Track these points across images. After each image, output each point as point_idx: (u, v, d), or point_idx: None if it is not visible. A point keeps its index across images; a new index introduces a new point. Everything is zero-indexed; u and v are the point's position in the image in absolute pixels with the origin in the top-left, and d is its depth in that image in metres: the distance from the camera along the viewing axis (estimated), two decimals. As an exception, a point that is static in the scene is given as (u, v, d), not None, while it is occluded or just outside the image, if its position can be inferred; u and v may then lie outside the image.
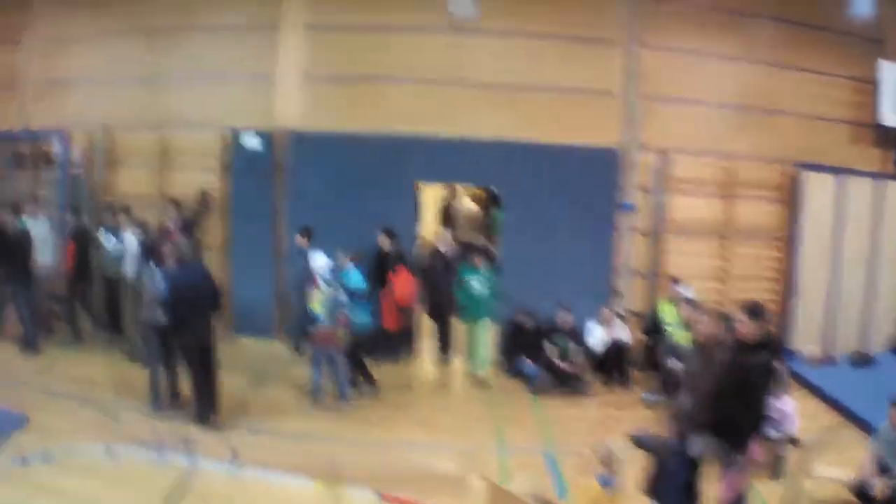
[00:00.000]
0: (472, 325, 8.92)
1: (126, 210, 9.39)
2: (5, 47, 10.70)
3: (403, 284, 8.98)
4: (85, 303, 9.75)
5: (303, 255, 8.86)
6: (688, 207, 9.84)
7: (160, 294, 7.09)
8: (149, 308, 7.40)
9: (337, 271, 7.88)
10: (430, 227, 12.15)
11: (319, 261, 8.03)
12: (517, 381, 8.86)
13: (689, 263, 9.79)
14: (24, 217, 9.60)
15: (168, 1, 9.97)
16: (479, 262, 8.89)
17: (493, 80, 9.56)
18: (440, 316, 9.48)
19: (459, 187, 12.85)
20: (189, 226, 9.50)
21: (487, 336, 9.02)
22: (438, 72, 9.56)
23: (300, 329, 9.00)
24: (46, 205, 10.05)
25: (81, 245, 9.55)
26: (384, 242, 9.11)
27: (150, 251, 8.35)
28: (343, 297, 7.67)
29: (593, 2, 9.66)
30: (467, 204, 12.51)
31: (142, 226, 9.19)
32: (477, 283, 8.78)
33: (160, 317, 7.10)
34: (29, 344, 9.17)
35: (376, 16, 9.55)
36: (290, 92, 9.72)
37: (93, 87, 10.28)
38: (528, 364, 8.81)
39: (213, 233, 9.93)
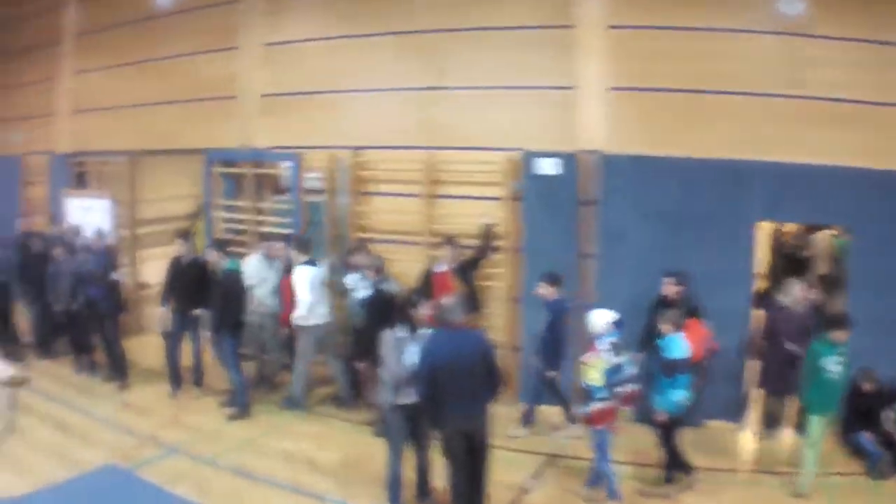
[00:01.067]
0: (815, 416, 6.44)
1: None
2: (220, 54, 9.09)
3: (695, 339, 7.03)
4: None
5: (549, 309, 7.00)
6: None
7: (410, 366, 5.47)
8: (391, 382, 5.60)
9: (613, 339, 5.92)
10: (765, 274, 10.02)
11: (601, 318, 6.00)
12: (855, 459, 6.77)
13: None
14: (256, 256, 8.05)
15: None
16: (841, 335, 6.32)
17: (836, 95, 7.64)
18: (776, 391, 7.32)
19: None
20: (467, 269, 7.64)
21: (822, 431, 6.49)
22: (773, 84, 7.61)
23: (535, 398, 7.28)
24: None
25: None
26: (670, 289, 7.24)
27: (388, 305, 6.67)
28: (632, 368, 5.84)
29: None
30: (824, 240, 10.27)
31: (376, 267, 7.33)
32: (836, 366, 6.29)
33: (408, 395, 5.49)
34: (236, 405, 7.58)
35: (695, 15, 7.62)
36: (594, 106, 7.75)
37: (335, 99, 8.51)
38: (866, 439, 6.79)
39: (498, 278, 7.94)
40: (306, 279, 7.47)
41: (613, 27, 7.78)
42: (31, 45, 11.65)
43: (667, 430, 6.17)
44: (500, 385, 5.61)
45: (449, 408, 5.24)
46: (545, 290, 7.11)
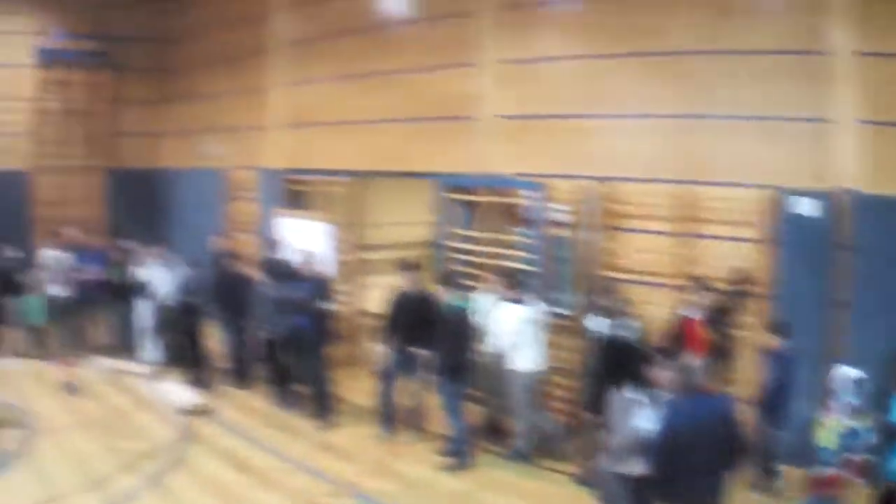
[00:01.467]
0: None
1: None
2: (453, 70, 8.80)
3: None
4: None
5: (773, 361, 6.46)
6: None
7: (640, 433, 5.03)
8: (618, 449, 5.21)
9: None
10: None
11: (843, 375, 5.55)
12: None
13: None
14: (490, 293, 7.55)
15: (673, 20, 7.74)
16: None
17: None
18: None
19: None
20: (719, 316, 7.05)
21: None
22: None
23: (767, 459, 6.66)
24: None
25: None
26: None
27: (622, 352, 6.16)
28: (871, 435, 5.29)
29: None
30: None
31: (615, 310, 6.84)
32: None
33: (635, 465, 5.05)
34: (454, 454, 7.02)
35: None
36: (847, 140, 7.20)
37: (581, 125, 8.04)
38: None
39: (746, 326, 7.32)
40: (508, 319, 7.15)
41: (866, 54, 7.17)
42: (238, 53, 11.38)
43: (888, 499, 5.60)
44: (744, 457, 5.16)
45: (683, 482, 4.85)
46: (770, 340, 6.63)
